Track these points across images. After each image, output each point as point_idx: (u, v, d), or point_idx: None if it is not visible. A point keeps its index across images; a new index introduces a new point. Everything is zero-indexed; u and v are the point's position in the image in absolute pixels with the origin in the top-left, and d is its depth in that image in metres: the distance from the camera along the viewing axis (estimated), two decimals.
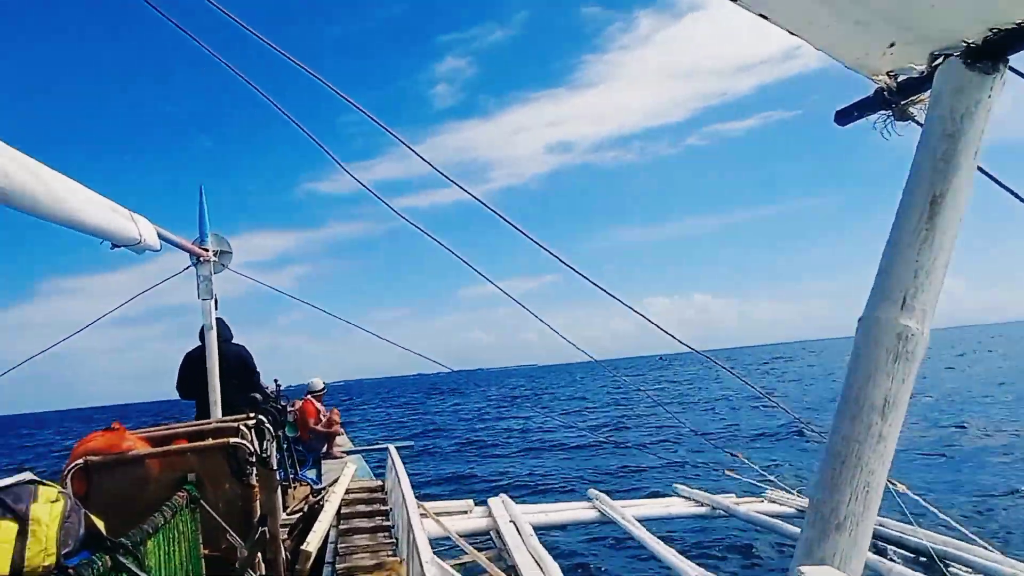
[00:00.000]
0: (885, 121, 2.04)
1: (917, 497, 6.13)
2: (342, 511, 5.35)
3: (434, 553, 5.39)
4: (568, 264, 4.57)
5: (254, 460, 3.58)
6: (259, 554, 3.61)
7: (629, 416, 26.17)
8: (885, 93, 1.98)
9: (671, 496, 7.68)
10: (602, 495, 7.01)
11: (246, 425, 3.74)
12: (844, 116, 2.20)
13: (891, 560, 5.07)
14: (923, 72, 1.82)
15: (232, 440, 3.52)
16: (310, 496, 6.09)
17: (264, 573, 3.60)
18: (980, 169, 1.84)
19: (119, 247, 4.15)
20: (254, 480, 3.54)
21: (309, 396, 10.06)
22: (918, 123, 1.88)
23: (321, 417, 9.83)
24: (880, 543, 5.64)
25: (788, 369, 54.22)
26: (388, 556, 4.10)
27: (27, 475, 2.42)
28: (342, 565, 3.96)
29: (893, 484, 5.88)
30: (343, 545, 4.42)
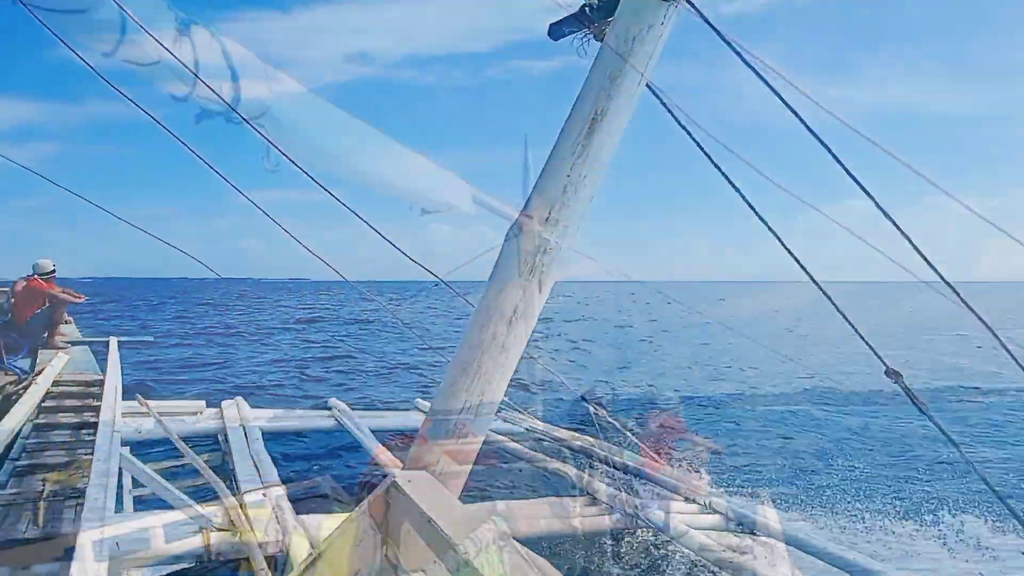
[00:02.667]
0: (583, 39, 2.05)
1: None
2: (45, 404, 4.94)
3: (144, 453, 5.23)
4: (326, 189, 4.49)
5: None
6: None
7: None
8: (587, 10, 1.99)
9: (411, 411, 8.07)
10: (340, 403, 7.16)
11: None
12: (555, 29, 2.16)
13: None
14: None
15: None
16: (8, 385, 5.51)
17: None
18: (650, 87, 1.88)
19: None
20: None
21: (36, 276, 8.92)
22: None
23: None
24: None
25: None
26: (85, 455, 3.92)
27: None
28: (26, 462, 3.71)
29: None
30: (35, 440, 4.12)
